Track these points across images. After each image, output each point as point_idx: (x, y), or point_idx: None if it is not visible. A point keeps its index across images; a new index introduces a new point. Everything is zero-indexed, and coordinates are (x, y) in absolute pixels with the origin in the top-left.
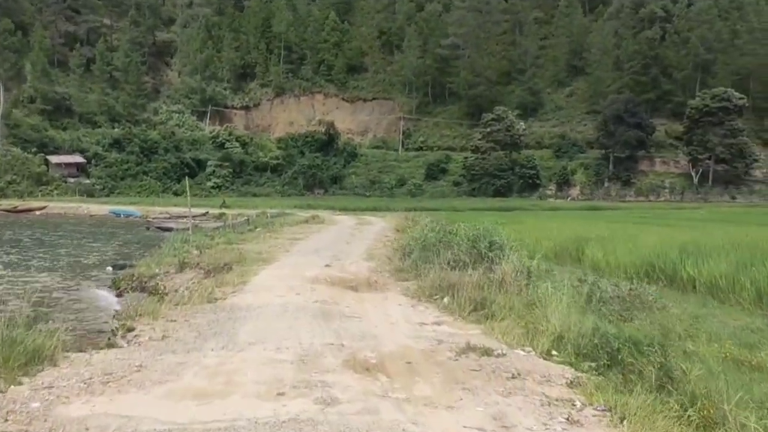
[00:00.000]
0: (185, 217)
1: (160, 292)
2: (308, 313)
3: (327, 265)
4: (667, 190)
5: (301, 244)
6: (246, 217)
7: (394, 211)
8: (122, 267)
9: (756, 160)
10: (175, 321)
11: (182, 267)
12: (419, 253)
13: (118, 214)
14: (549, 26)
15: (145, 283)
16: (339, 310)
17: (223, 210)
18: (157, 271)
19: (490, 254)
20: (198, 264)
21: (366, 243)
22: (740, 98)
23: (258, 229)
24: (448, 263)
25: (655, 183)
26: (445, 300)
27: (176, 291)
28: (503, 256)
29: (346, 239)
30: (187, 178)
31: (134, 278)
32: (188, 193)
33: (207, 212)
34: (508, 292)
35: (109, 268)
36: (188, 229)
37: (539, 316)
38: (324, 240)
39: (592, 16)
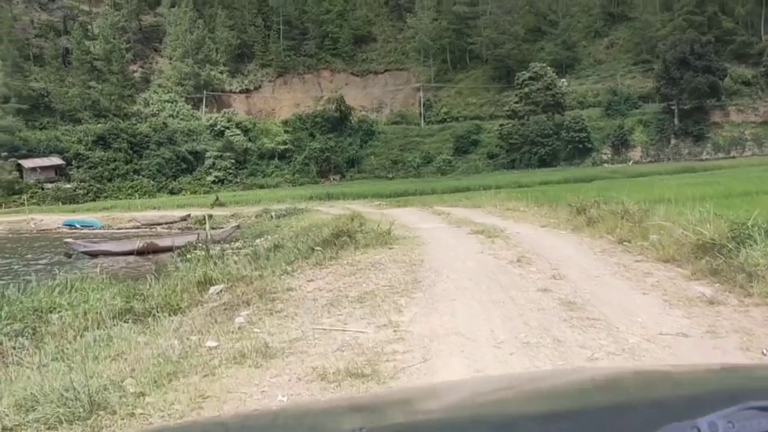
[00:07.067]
0: (159, 224)
1: None
2: None
3: None
4: (750, 143)
5: None
6: (236, 224)
7: (439, 193)
8: None
9: None
10: None
11: None
12: None
13: (72, 225)
14: None
15: None
16: None
17: (215, 210)
18: None
19: None
20: None
21: None
22: None
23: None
24: None
25: (734, 136)
26: None
27: None
28: None
29: None
30: None
31: None
32: None
33: (188, 216)
34: None
35: None
36: (133, 252)
37: None
38: None
39: None
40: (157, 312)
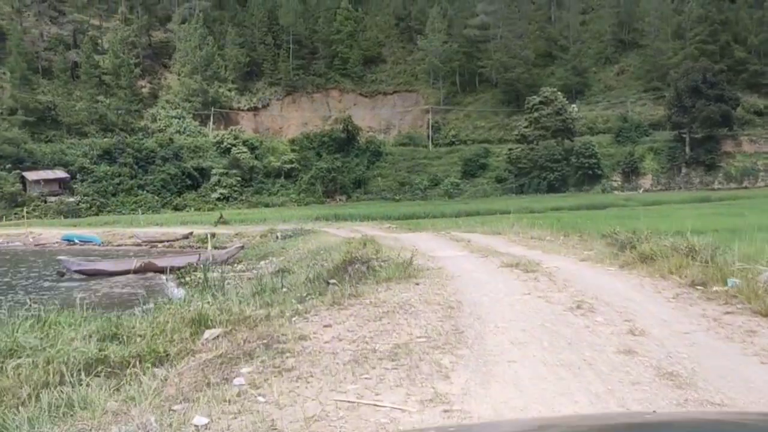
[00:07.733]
0: (161, 241)
1: None
2: None
3: None
4: (763, 173)
5: None
6: (240, 244)
7: (449, 217)
8: None
9: None
10: None
11: None
12: None
13: (71, 241)
14: None
15: None
16: None
17: (218, 228)
18: None
19: None
20: None
21: None
22: None
23: None
24: None
25: (746, 166)
26: None
27: None
28: None
29: None
30: None
31: None
32: None
33: (190, 234)
34: None
35: None
36: (130, 272)
37: None
38: None
39: None
40: (137, 363)
